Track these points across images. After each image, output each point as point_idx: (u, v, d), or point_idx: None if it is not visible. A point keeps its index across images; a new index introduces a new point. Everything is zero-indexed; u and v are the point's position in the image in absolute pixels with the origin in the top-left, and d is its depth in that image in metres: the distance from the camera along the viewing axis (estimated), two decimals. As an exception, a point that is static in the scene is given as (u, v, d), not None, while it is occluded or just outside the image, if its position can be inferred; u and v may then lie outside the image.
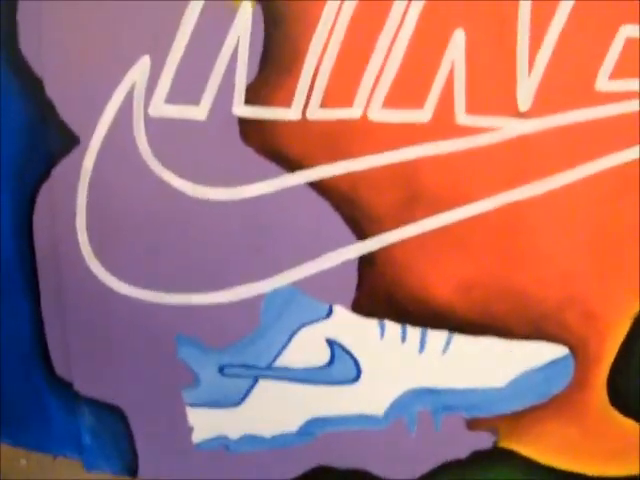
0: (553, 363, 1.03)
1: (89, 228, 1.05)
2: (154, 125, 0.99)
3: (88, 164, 1.02)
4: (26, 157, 1.05)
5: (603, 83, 0.92)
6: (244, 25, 0.93)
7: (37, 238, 1.07)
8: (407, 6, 0.91)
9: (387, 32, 0.92)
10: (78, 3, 0.97)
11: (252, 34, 0.94)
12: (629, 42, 0.91)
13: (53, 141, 1.03)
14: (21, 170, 1.05)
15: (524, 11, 0.90)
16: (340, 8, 0.92)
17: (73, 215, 1.05)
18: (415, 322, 1.02)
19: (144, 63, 0.97)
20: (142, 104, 0.98)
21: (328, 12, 0.92)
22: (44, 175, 1.05)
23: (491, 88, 0.93)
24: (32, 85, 1.01)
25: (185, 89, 0.97)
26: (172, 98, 0.98)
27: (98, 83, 0.99)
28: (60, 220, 1.05)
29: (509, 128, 0.94)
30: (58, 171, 1.04)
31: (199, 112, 0.97)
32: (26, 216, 1.06)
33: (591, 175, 0.95)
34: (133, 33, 0.97)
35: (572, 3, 0.90)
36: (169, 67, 0.96)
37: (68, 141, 1.02)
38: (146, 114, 0.99)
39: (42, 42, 1.00)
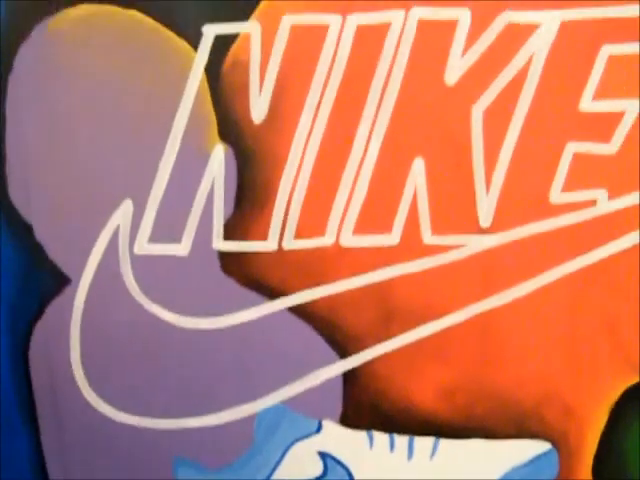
0: (537, 459, 1.07)
1: (84, 361, 1.09)
2: (139, 262, 1.05)
3: (79, 302, 1.07)
4: (20, 297, 1.10)
5: (556, 196, 0.99)
6: (218, 167, 1.00)
7: (34, 374, 1.11)
8: (368, 139, 0.98)
9: (351, 164, 0.99)
10: (62, 152, 1.04)
11: (226, 174, 1.00)
12: (577, 156, 0.98)
13: (45, 282, 1.08)
14: (15, 310, 1.10)
15: (477, 137, 0.97)
16: (306, 146, 0.98)
17: (68, 350, 1.09)
18: (402, 430, 1.06)
19: (127, 206, 1.03)
20: (127, 244, 1.04)
21: (295, 151, 0.99)
22: (38, 314, 1.10)
23: (453, 208, 0.99)
24: (22, 230, 1.07)
25: (167, 228, 1.03)
26: (155, 237, 1.04)
27: (85, 226, 1.05)
28: (55, 355, 1.10)
29: (473, 244, 1.00)
30: (51, 310, 1.09)
31: (181, 248, 1.03)
32: (22, 354, 1.11)
33: (554, 280, 1.01)
34: (115, 179, 1.03)
35: (520, 124, 0.97)
36: (150, 209, 1.03)
37: (59, 281, 1.07)
38: (131, 253, 1.05)
39: (30, 190, 1.06)
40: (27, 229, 1.07)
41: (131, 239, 1.04)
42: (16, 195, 1.06)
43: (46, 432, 1.13)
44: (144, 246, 1.04)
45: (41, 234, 1.07)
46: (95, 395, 1.10)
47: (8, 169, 1.05)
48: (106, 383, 1.10)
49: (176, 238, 1.03)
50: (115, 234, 1.04)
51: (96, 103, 1.01)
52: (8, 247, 1.08)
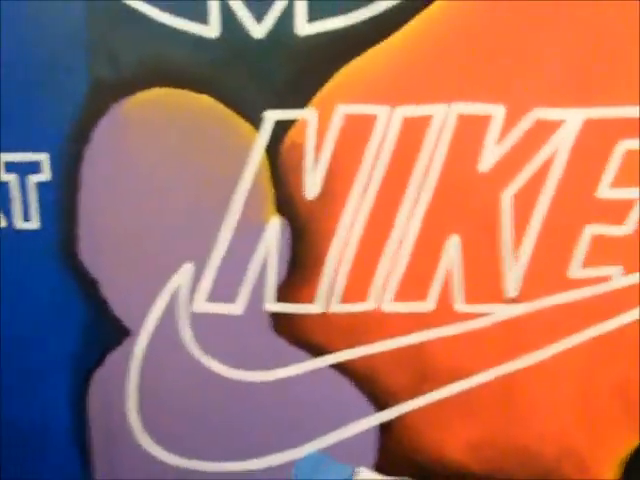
0: (555, 509, 1.17)
1: (139, 407, 1.19)
2: (197, 319, 1.15)
3: (138, 352, 1.18)
4: (83, 346, 1.20)
5: (575, 272, 1.10)
6: (273, 237, 1.11)
7: (92, 416, 1.21)
8: (409, 217, 1.09)
9: (393, 239, 1.10)
10: (131, 218, 1.15)
11: (280, 244, 1.11)
12: (594, 237, 1.09)
13: (107, 333, 1.18)
14: (78, 358, 1.20)
15: (506, 219, 1.09)
16: (354, 222, 1.10)
17: (125, 396, 1.19)
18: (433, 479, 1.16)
19: (188, 269, 1.14)
20: (186, 302, 1.15)
21: (343, 225, 1.10)
22: (99, 361, 1.20)
23: (483, 280, 1.11)
24: (89, 285, 1.18)
25: (223, 289, 1.14)
26: (212, 297, 1.14)
27: (148, 284, 1.16)
28: (113, 400, 1.20)
29: (500, 312, 1.11)
30: (111, 359, 1.19)
31: (236, 308, 1.14)
32: (81, 398, 1.21)
33: (572, 346, 1.11)
34: (178, 243, 1.14)
35: (545, 208, 1.09)
36: (209, 271, 1.14)
37: (120, 333, 1.18)
38: (190, 310, 1.15)
39: (99, 250, 1.17)
40: (94, 285, 1.17)
41: (190, 298, 1.15)
42: (86, 254, 1.17)
43: (100, 471, 1.22)
44: (202, 305, 1.15)
45: (107, 290, 1.17)
46: (148, 438, 1.20)
47: (80, 231, 1.16)
48: (159, 427, 1.20)
49: (232, 298, 1.13)
50: (175, 292, 1.15)
51: (164, 174, 1.13)
52: (76, 300, 1.18)
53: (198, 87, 1.10)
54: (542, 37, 1.04)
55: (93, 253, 1.17)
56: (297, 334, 1.14)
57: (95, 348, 1.19)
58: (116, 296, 1.17)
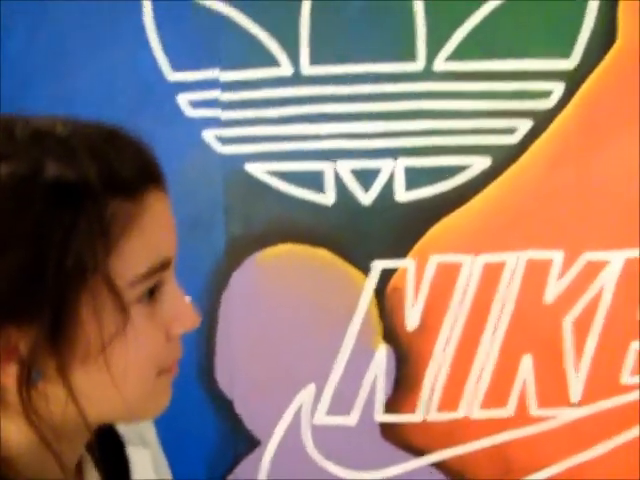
0: None
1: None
2: (317, 430, 1.40)
3: (266, 460, 1.41)
4: (217, 456, 1.43)
5: (626, 379, 1.37)
6: (381, 361, 1.37)
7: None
8: (491, 342, 1.36)
9: (478, 361, 1.36)
10: (262, 348, 1.40)
11: (387, 366, 1.37)
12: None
13: (239, 444, 1.42)
14: (212, 466, 1.43)
15: (567, 339, 1.36)
16: (446, 348, 1.36)
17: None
18: None
19: (311, 388, 1.39)
20: (309, 416, 1.39)
21: (438, 351, 1.36)
22: (230, 469, 1.43)
23: (552, 389, 1.37)
24: (224, 404, 1.42)
25: (340, 404, 1.39)
26: (331, 411, 1.39)
27: (276, 402, 1.40)
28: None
29: (567, 415, 1.37)
30: (242, 467, 1.42)
31: (351, 420, 1.39)
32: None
33: (623, 442, 1.37)
34: (302, 366, 1.39)
35: (599, 330, 1.36)
36: (328, 389, 1.39)
37: (251, 445, 1.41)
38: (311, 422, 1.40)
39: (233, 375, 1.41)
40: (229, 404, 1.42)
41: (312, 412, 1.39)
42: (222, 379, 1.42)
43: None
44: (322, 418, 1.39)
45: (240, 408, 1.42)
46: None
47: (216, 359, 1.41)
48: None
49: (347, 412, 1.38)
50: (299, 408, 1.40)
51: (291, 311, 1.39)
52: (212, 417, 1.42)
53: (317, 243, 1.37)
54: (590, 193, 1.33)
55: (228, 377, 1.42)
56: (402, 439, 1.38)
57: (228, 457, 1.43)
58: (248, 412, 1.42)
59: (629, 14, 1.29)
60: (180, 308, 0.56)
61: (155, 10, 1.42)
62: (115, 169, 0.50)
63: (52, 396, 0.51)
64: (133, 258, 0.51)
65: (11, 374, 0.49)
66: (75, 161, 0.49)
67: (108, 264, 0.49)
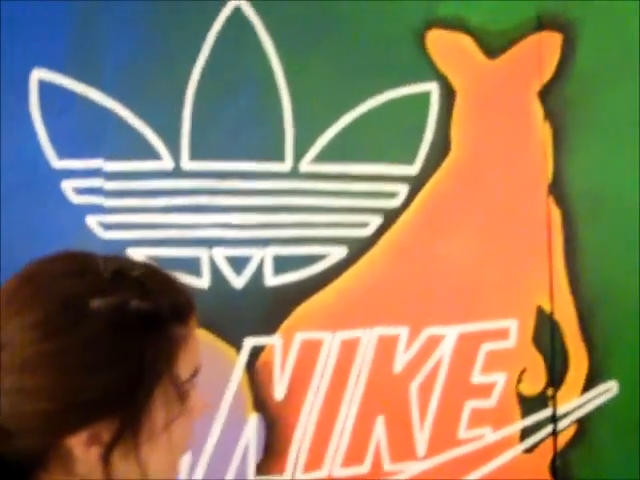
0: None
1: None
2: (194, 493, 1.52)
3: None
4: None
5: (462, 434, 1.60)
6: (253, 428, 1.52)
7: None
8: (348, 408, 1.55)
9: (338, 423, 1.54)
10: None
11: (258, 432, 1.52)
12: (472, 410, 1.60)
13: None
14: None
15: (414, 404, 1.57)
16: (309, 416, 1.53)
17: None
18: None
19: (186, 457, 1.51)
20: (186, 481, 1.52)
21: (303, 417, 1.53)
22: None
23: (402, 445, 1.57)
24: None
25: (215, 470, 1.52)
26: (206, 476, 1.52)
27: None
28: None
29: (415, 467, 1.58)
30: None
31: (225, 483, 1.52)
32: None
33: (463, 487, 1.60)
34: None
35: (439, 393, 1.58)
36: (204, 457, 1.52)
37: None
38: (188, 487, 1.52)
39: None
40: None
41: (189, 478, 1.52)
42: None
43: None
44: (198, 482, 1.52)
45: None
46: None
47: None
48: None
49: (222, 476, 1.52)
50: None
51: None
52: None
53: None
54: (430, 278, 1.56)
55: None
56: (271, 497, 1.54)
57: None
58: None
59: (459, 131, 1.54)
60: (200, 402, 0.78)
61: (41, 100, 1.51)
62: (177, 301, 0.72)
63: (124, 470, 0.66)
64: (186, 365, 0.72)
65: (90, 452, 0.64)
66: (150, 297, 0.67)
67: (173, 370, 0.69)
